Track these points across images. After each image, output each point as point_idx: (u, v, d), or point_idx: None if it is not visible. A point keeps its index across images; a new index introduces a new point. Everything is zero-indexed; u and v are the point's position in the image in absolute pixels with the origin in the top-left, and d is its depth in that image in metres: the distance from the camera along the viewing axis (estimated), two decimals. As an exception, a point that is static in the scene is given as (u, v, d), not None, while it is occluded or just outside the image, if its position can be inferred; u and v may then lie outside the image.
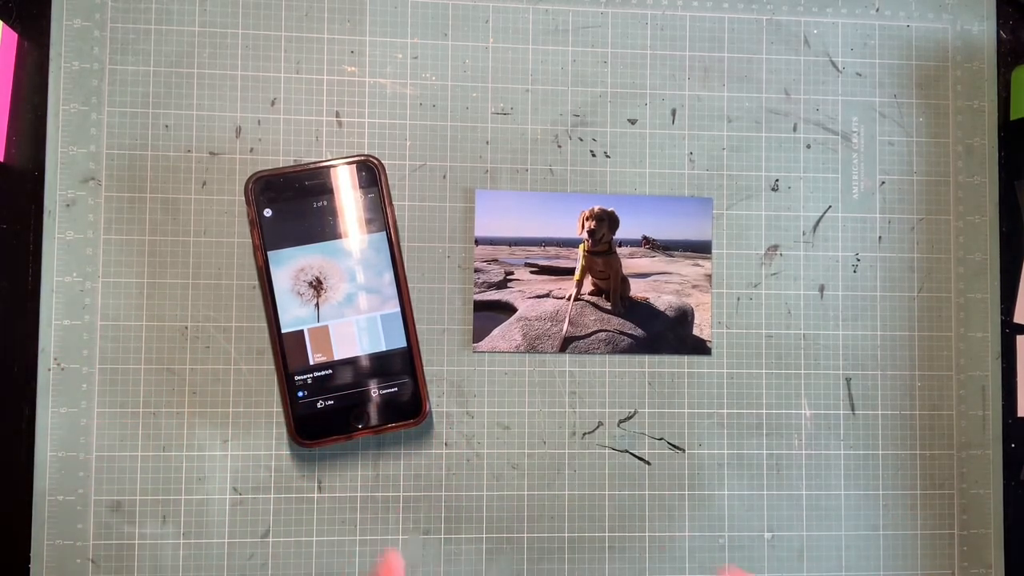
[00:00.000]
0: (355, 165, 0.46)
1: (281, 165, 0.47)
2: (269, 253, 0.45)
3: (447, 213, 0.48)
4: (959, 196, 0.51)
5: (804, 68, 0.51)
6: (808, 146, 0.50)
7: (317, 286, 0.45)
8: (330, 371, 0.45)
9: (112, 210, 0.46)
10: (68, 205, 0.46)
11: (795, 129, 0.50)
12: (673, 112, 0.50)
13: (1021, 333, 0.51)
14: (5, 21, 0.45)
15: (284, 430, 0.47)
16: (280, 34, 0.48)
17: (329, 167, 0.45)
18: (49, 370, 0.45)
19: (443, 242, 0.48)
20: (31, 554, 0.45)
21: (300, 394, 0.45)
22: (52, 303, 0.46)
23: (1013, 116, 0.51)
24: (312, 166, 0.46)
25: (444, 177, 0.48)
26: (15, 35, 0.46)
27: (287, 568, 0.46)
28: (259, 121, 0.47)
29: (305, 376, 0.45)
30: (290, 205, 0.45)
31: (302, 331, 0.45)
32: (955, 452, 0.50)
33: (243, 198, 0.46)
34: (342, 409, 0.45)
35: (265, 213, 0.45)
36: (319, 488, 0.47)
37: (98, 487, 0.46)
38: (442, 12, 0.49)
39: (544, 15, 0.49)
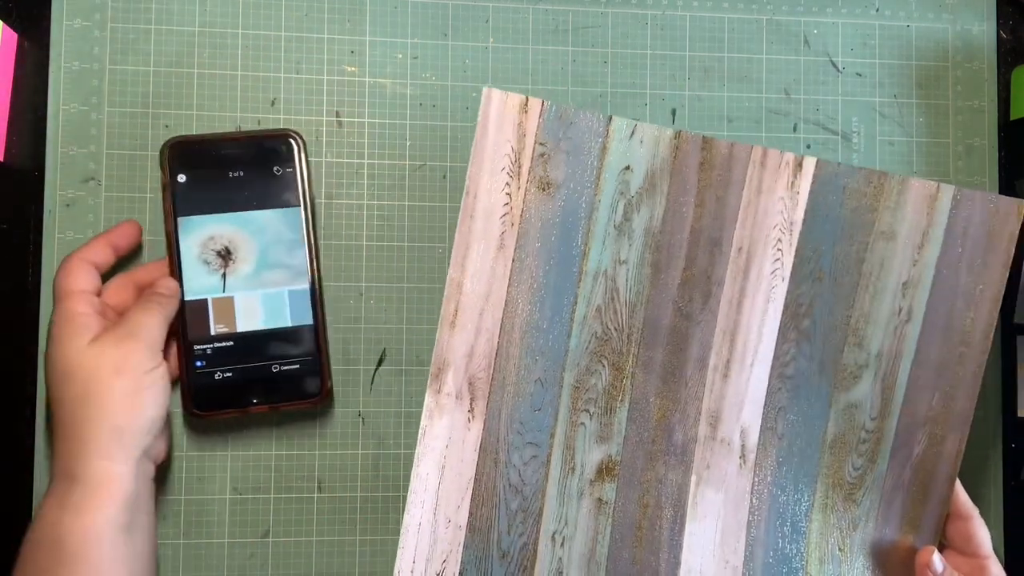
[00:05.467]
0: (275, 138, 0.45)
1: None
2: (179, 219, 0.44)
3: (447, 213, 0.48)
4: (959, 196, 0.51)
5: (804, 68, 0.51)
6: (808, 146, 0.50)
7: (225, 256, 0.44)
8: (231, 343, 0.45)
9: (112, 210, 0.46)
10: (68, 205, 0.46)
11: (795, 129, 0.50)
12: (673, 112, 0.50)
13: (1021, 333, 0.51)
14: (5, 21, 0.45)
15: (283, 428, 0.47)
16: (280, 34, 0.48)
17: (248, 138, 0.45)
18: (49, 370, 0.45)
19: (443, 242, 0.48)
20: (31, 554, 0.45)
21: (198, 364, 0.44)
22: (52, 303, 0.46)
23: (1013, 116, 0.51)
24: (230, 136, 0.45)
25: (444, 177, 0.48)
26: (15, 35, 0.46)
27: (287, 568, 0.46)
28: (259, 121, 0.47)
29: (205, 346, 0.44)
30: (205, 173, 0.45)
31: (205, 300, 0.44)
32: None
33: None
34: (241, 382, 0.45)
35: (179, 179, 0.44)
36: (319, 488, 0.47)
37: (98, 487, 0.46)
38: (442, 12, 0.49)
39: (544, 15, 0.49)
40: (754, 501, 0.43)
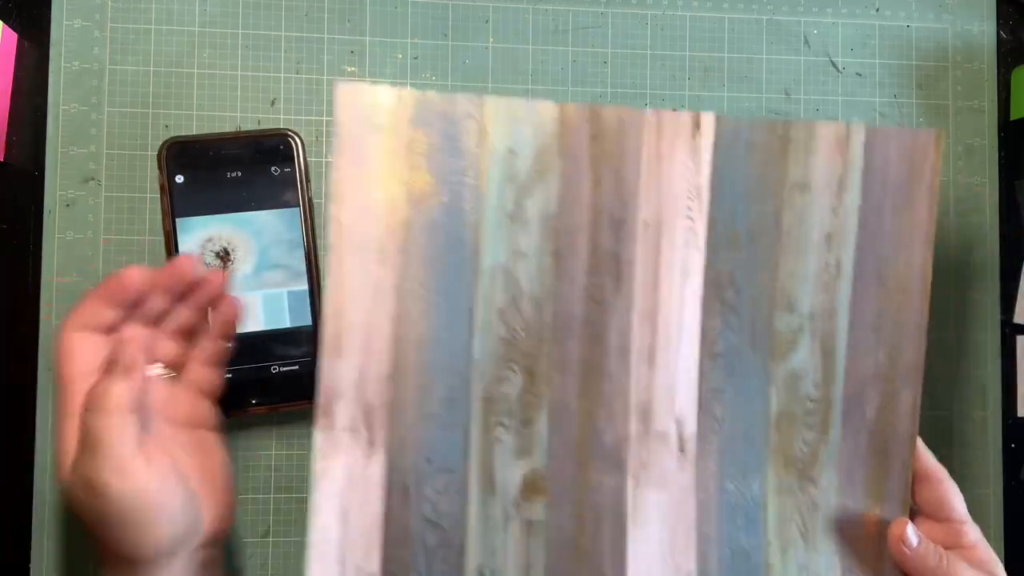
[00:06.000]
0: (274, 138, 0.45)
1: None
2: (177, 220, 0.44)
3: (447, 213, 0.48)
4: (959, 196, 0.51)
5: (804, 68, 0.51)
6: (808, 146, 0.50)
7: (224, 257, 0.44)
8: (228, 343, 0.45)
9: (112, 210, 0.46)
10: (68, 205, 0.46)
11: (795, 129, 0.50)
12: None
13: (1021, 333, 0.51)
14: (5, 21, 0.45)
15: (282, 428, 0.47)
16: (280, 34, 0.48)
17: (246, 138, 0.45)
18: (49, 370, 0.45)
19: (443, 242, 0.48)
20: (31, 554, 0.45)
21: None
22: (52, 303, 0.46)
23: (1013, 116, 0.51)
24: (229, 136, 0.45)
25: (444, 177, 0.48)
26: (15, 35, 0.46)
27: (287, 568, 0.46)
28: (259, 121, 0.47)
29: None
30: (203, 173, 0.45)
31: None
32: (955, 452, 0.50)
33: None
34: (240, 383, 0.44)
35: (176, 179, 0.44)
36: (319, 488, 0.47)
37: (98, 487, 0.46)
38: (442, 12, 0.49)
39: (544, 15, 0.49)
40: (700, 496, 0.39)
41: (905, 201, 0.40)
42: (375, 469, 0.36)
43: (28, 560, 0.45)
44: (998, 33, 0.52)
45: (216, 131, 0.47)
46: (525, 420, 0.38)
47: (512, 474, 0.38)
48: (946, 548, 0.38)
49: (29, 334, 0.45)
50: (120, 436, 0.33)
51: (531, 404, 0.38)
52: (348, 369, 0.36)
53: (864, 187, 0.40)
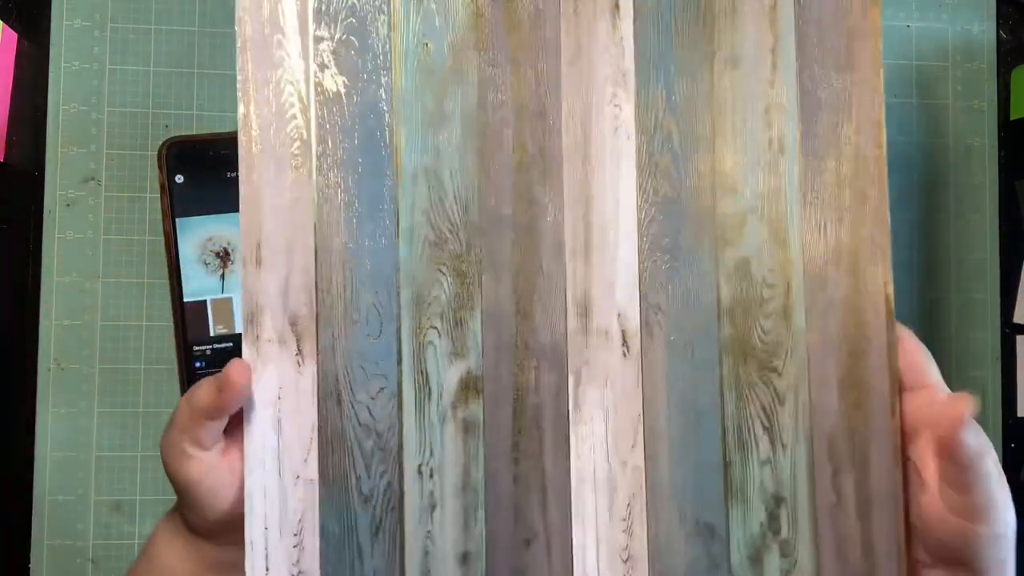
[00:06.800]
0: None
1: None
2: (177, 220, 0.44)
3: (447, 213, 0.48)
4: (959, 196, 0.51)
5: (804, 68, 0.51)
6: (808, 146, 0.50)
7: (224, 257, 0.45)
8: (230, 344, 0.45)
9: (112, 210, 0.46)
10: (68, 205, 0.46)
11: (795, 129, 0.50)
12: (673, 112, 0.50)
13: (1021, 333, 0.51)
14: (5, 21, 0.45)
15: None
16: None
17: None
18: (49, 370, 0.45)
19: (443, 242, 0.48)
20: (31, 554, 0.45)
21: (198, 365, 0.45)
22: (52, 303, 0.46)
23: (1013, 116, 0.51)
24: (228, 136, 0.45)
25: (444, 177, 0.48)
26: (15, 35, 0.46)
27: (287, 568, 0.46)
28: (259, 121, 0.47)
29: (204, 347, 0.45)
30: (203, 173, 0.45)
31: (204, 301, 0.45)
32: (955, 452, 0.50)
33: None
34: None
35: (176, 179, 0.45)
36: (319, 488, 0.47)
37: (98, 487, 0.46)
38: (442, 12, 0.49)
39: (544, 15, 0.49)
40: (648, 392, 0.37)
41: (847, 64, 0.37)
42: (307, 379, 0.36)
43: (28, 560, 0.45)
44: (998, 33, 0.52)
45: (216, 131, 0.47)
46: (458, 322, 0.37)
47: (447, 376, 0.37)
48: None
49: (29, 334, 0.45)
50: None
51: (463, 306, 0.37)
52: (272, 280, 0.36)
53: (800, 55, 0.37)
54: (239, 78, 0.35)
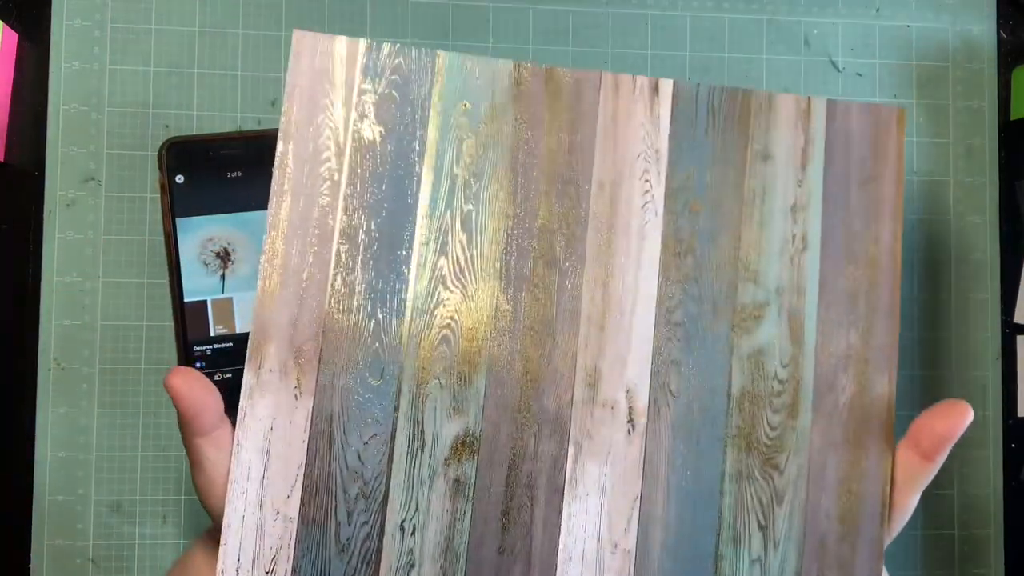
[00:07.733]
0: (273, 139, 0.45)
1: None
2: (177, 220, 0.44)
3: (447, 213, 0.48)
4: (959, 196, 0.51)
5: (804, 68, 0.51)
6: (808, 146, 0.50)
7: (224, 257, 0.45)
8: (230, 344, 0.45)
9: (112, 210, 0.46)
10: (68, 205, 0.46)
11: (795, 129, 0.50)
12: (673, 112, 0.50)
13: (1021, 333, 0.51)
14: (5, 21, 0.45)
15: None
16: (280, 34, 0.48)
17: (246, 138, 0.45)
18: (49, 370, 0.45)
19: (443, 242, 0.48)
20: (31, 554, 0.45)
21: (198, 365, 0.44)
22: (52, 303, 0.46)
23: (1013, 116, 0.51)
24: (228, 136, 0.45)
25: (444, 177, 0.48)
26: (15, 35, 0.46)
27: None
28: (259, 121, 0.47)
29: (204, 347, 0.45)
30: (203, 173, 0.45)
31: (205, 301, 0.45)
32: (955, 452, 0.50)
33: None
34: (240, 383, 0.45)
35: (177, 179, 0.44)
36: (319, 488, 0.47)
37: (98, 487, 0.46)
38: (443, 12, 0.49)
39: (544, 15, 0.49)
40: (648, 474, 0.37)
41: (871, 176, 0.38)
42: (300, 414, 0.36)
43: (28, 560, 0.45)
44: (998, 33, 0.52)
45: (216, 131, 0.47)
46: (462, 377, 0.37)
47: (443, 431, 0.36)
48: None
49: (29, 334, 0.46)
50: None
51: (469, 361, 0.37)
52: (282, 311, 0.36)
53: (828, 159, 0.38)
54: (282, 120, 0.36)
